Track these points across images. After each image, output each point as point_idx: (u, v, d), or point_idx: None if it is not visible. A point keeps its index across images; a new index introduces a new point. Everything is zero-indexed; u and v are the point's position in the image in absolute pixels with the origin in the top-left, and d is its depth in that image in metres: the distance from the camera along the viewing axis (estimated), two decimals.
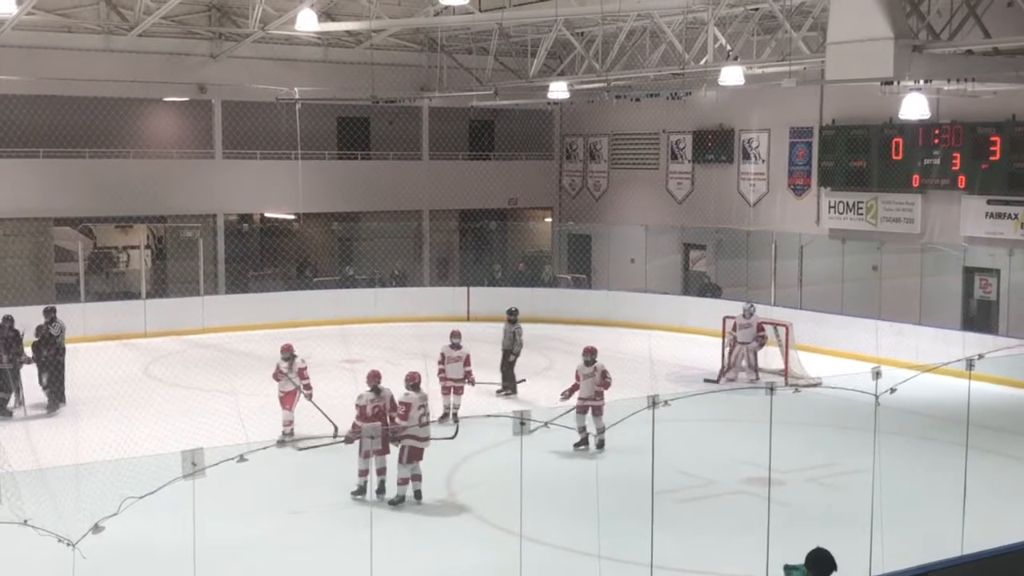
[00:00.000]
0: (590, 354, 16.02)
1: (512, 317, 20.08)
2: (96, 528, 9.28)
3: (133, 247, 29.90)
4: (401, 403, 13.50)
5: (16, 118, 25.84)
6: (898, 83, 17.02)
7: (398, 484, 13.13)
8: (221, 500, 12.38)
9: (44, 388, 17.94)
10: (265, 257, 30.27)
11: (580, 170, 33.06)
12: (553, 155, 33.75)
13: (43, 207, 26.55)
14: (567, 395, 15.77)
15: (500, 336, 20.08)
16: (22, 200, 25.96)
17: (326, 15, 25.92)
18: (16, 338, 17.80)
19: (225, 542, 11.57)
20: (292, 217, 30.52)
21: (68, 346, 18.49)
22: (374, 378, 13.65)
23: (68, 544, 7.63)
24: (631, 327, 26.36)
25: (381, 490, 13.14)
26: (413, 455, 13.14)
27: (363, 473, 13.06)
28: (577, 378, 15.87)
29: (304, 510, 12.92)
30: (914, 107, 20.74)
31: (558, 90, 25.84)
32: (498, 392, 19.38)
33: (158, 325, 24.98)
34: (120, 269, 30.64)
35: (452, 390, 17.34)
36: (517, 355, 19.74)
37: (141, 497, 7.92)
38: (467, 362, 17.48)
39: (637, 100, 26.22)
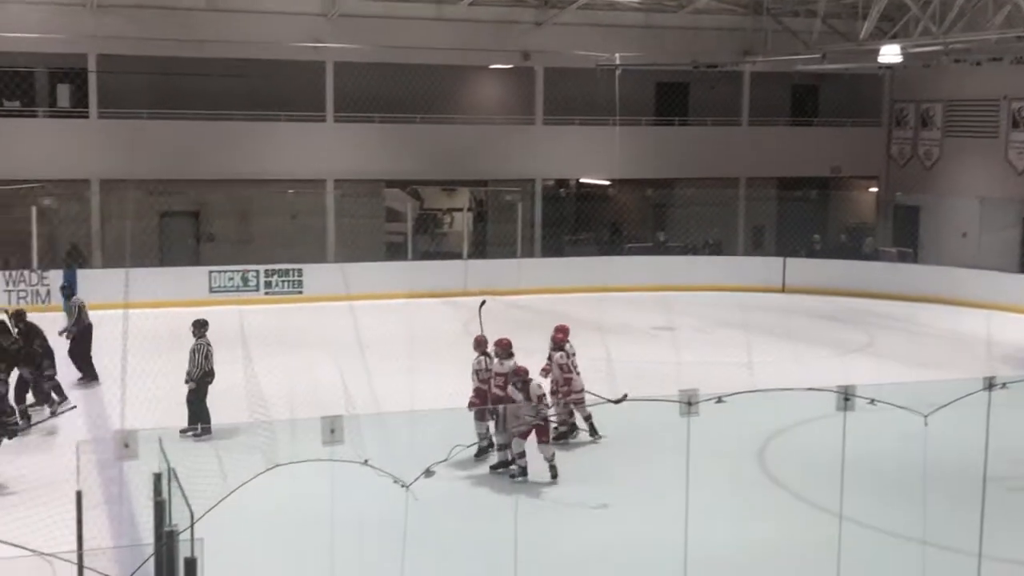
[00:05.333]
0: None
1: (199, 330, 14.50)
2: (428, 472, 9.78)
3: (457, 209, 31.13)
4: (498, 373, 13.26)
5: (356, 85, 27.36)
6: None
7: (499, 450, 13.01)
8: (540, 455, 12.74)
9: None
10: (580, 222, 30.74)
11: (910, 138, 31.38)
12: (881, 122, 32.19)
13: (377, 170, 28.09)
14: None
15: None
16: (359, 163, 27.56)
17: None
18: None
19: (541, 495, 11.85)
20: (607, 183, 30.78)
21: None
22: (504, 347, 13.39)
23: (402, 485, 8.04)
24: (962, 305, 24.86)
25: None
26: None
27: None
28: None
29: (580, 470, 13.03)
30: None
31: (890, 53, 24.60)
32: (183, 432, 13.64)
33: (477, 284, 25.90)
34: (444, 230, 31.99)
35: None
36: (211, 380, 14.36)
37: (469, 446, 8.31)
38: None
39: (977, 64, 24.70)
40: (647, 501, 12.06)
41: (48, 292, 23.05)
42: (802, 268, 27.59)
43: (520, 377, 12.75)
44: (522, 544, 8.86)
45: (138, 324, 16.56)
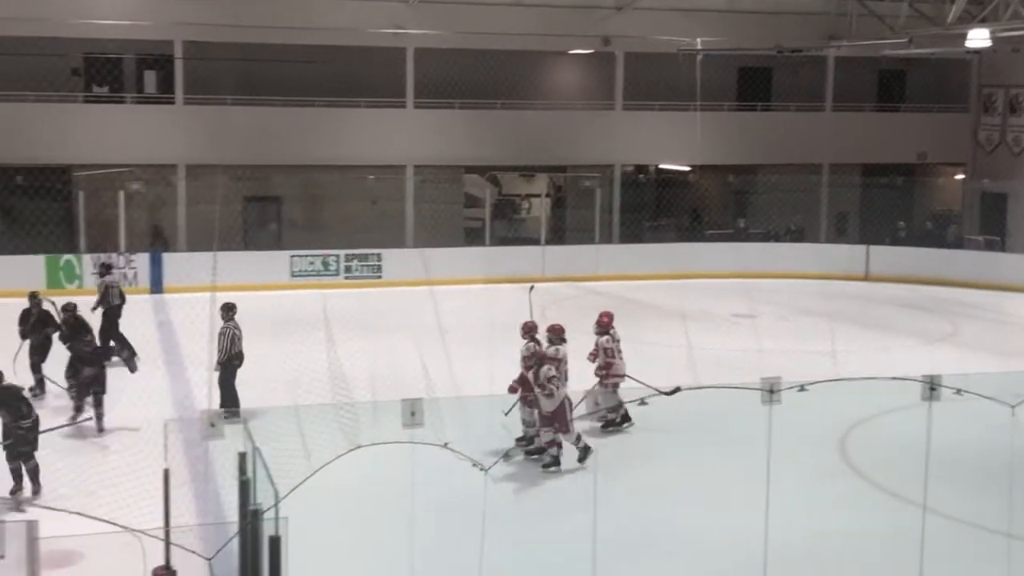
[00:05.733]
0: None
1: (227, 313, 14.53)
2: (507, 456, 9.86)
3: (535, 195, 31.15)
4: (551, 359, 12.83)
5: (436, 71, 27.45)
6: None
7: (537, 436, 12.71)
8: (619, 440, 12.74)
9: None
10: (659, 208, 30.56)
11: (998, 124, 30.64)
12: (969, 107, 31.48)
13: (456, 155, 28.19)
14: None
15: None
16: (438, 148, 27.69)
17: None
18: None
19: (618, 481, 11.83)
20: (688, 169, 30.55)
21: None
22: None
23: (481, 469, 8.10)
24: None
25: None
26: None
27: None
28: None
29: (659, 457, 12.96)
30: None
31: (978, 38, 24.00)
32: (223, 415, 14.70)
33: (555, 270, 25.92)
34: (522, 216, 32.04)
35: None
36: (239, 363, 14.42)
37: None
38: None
39: None
40: (726, 489, 11.98)
41: (135, 275, 23.55)
42: (886, 256, 27.15)
43: (535, 358, 12.57)
44: (600, 529, 8.86)
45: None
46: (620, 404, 13.77)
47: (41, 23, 24.12)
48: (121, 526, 7.46)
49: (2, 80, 24.41)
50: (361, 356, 16.07)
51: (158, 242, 25.65)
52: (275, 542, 7.01)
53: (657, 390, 11.11)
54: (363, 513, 10.83)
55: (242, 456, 8.10)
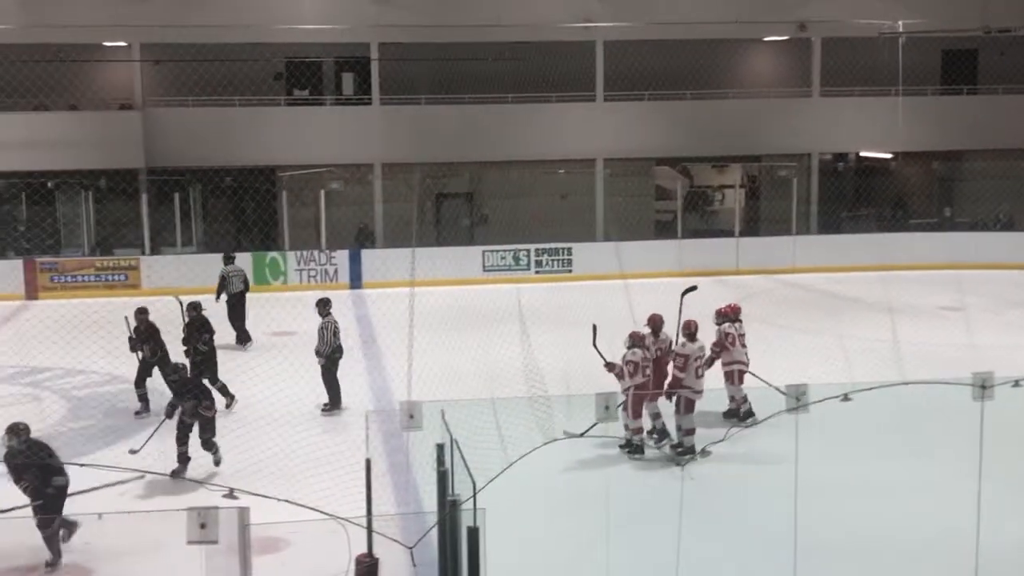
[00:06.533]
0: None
1: (324, 308, 14.67)
2: (704, 452, 9.67)
3: (728, 186, 30.63)
4: (679, 354, 12.51)
5: (625, 63, 27.30)
6: None
7: (684, 435, 12.17)
8: (823, 436, 12.32)
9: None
10: (859, 197, 29.59)
11: None
12: None
13: (646, 148, 28.01)
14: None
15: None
16: (628, 141, 27.55)
17: None
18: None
19: (822, 478, 11.47)
20: (889, 156, 29.46)
21: None
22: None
23: (677, 464, 7.98)
24: None
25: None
26: (688, 407, 12.22)
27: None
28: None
29: (864, 455, 12.45)
30: None
31: None
32: (324, 408, 14.32)
33: (749, 263, 25.43)
34: (714, 207, 31.55)
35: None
36: (340, 356, 14.60)
37: (747, 425, 8.08)
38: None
39: None
40: (934, 487, 11.47)
41: (336, 271, 24.34)
42: None
43: (632, 339, 12.42)
44: (801, 525, 8.61)
45: (419, 301, 17.19)
46: (744, 399, 13.36)
47: (245, 30, 25.21)
48: (327, 514, 7.66)
49: (211, 86, 25.58)
50: (554, 349, 16.09)
51: (363, 238, 26.42)
52: (473, 533, 7.06)
53: (777, 388, 10.71)
54: (558, 506, 10.84)
55: (440, 447, 8.21)
